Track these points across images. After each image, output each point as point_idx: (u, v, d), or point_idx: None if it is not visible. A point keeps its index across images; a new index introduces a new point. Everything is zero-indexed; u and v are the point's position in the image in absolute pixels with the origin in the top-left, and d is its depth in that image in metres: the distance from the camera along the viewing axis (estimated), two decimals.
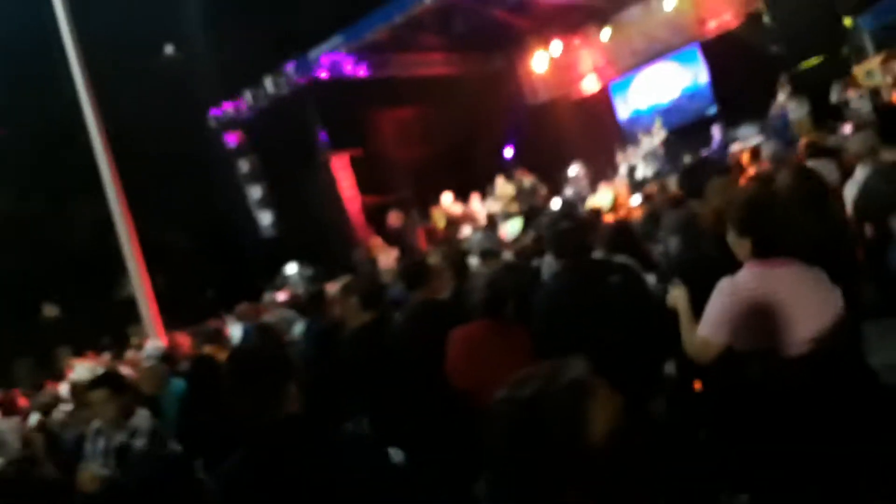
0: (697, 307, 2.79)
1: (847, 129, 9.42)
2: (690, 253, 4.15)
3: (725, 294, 2.66)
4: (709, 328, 2.70)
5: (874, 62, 10.17)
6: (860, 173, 4.51)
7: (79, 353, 11.64)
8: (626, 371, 2.87)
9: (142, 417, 3.89)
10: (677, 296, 2.95)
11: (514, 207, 14.38)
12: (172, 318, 11.31)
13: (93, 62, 10.85)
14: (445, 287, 4.32)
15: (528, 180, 15.30)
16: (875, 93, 9.92)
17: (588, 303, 3.31)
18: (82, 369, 8.27)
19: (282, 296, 11.43)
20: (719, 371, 2.77)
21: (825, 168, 5.32)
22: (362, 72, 14.88)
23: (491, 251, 5.16)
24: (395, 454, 4.04)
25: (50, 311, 17.48)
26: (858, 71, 10.41)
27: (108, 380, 3.96)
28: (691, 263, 3.79)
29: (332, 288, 7.34)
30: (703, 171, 4.93)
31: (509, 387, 1.41)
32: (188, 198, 15.65)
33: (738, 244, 2.71)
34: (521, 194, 14.87)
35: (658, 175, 12.60)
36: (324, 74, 14.49)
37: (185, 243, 16.99)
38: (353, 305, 4.18)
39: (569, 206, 12.41)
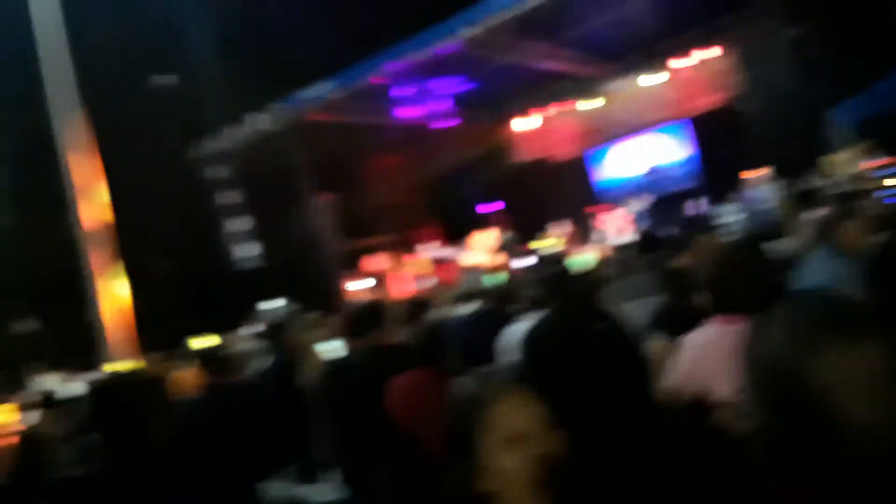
0: None
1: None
2: (670, 306, 4.25)
3: (684, 348, 2.82)
4: (671, 380, 2.85)
5: (846, 154, 10.54)
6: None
7: (50, 369, 11.56)
8: (598, 418, 3.02)
9: None
10: (655, 346, 3.04)
11: (498, 259, 14.56)
12: (149, 346, 11.28)
13: (87, 82, 11.05)
14: (394, 333, 4.44)
15: (510, 234, 15.52)
16: (840, 183, 10.27)
17: (574, 345, 3.37)
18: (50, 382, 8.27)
19: (257, 329, 11.45)
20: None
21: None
22: (352, 116, 15.14)
23: (476, 292, 5.29)
24: (340, 491, 4.14)
25: (22, 326, 17.35)
26: (830, 161, 10.79)
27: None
28: (669, 316, 3.93)
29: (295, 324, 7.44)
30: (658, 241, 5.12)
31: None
32: (173, 225, 15.74)
33: (704, 299, 2.84)
34: (506, 247, 15.06)
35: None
36: (314, 115, 14.73)
37: (165, 268, 17.00)
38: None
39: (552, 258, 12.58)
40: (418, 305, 5.96)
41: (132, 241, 14.90)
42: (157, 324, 14.27)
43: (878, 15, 10.28)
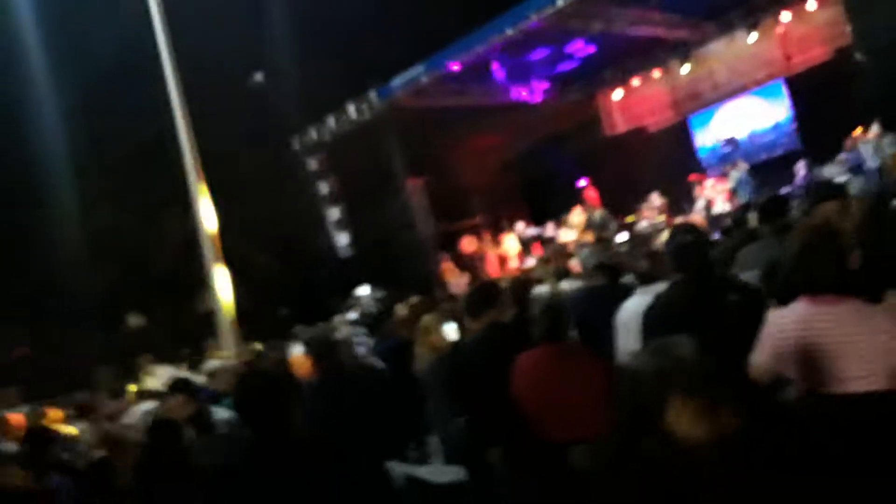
0: None
1: None
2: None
3: (769, 324, 2.74)
4: (757, 355, 2.76)
5: None
6: None
7: (159, 361, 12.12)
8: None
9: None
10: None
11: (587, 237, 14.33)
12: (248, 333, 11.68)
13: (187, 85, 11.46)
14: (508, 312, 4.38)
15: (598, 212, 15.23)
16: None
17: (704, 318, 3.16)
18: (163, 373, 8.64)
19: (353, 316, 11.65)
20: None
21: None
22: (441, 100, 15.15)
23: (600, 265, 5.17)
24: (457, 473, 4.14)
25: (135, 321, 18.26)
26: None
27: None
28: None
29: (401, 309, 7.50)
30: (784, 205, 4.84)
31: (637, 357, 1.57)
32: (270, 217, 16.19)
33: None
34: (593, 225, 14.81)
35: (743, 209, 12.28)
36: (404, 101, 14.82)
37: (264, 261, 17.53)
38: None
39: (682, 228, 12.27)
40: (525, 284, 5.90)
41: (234, 237, 15.44)
42: (258, 314, 14.77)
43: None
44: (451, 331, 5.14)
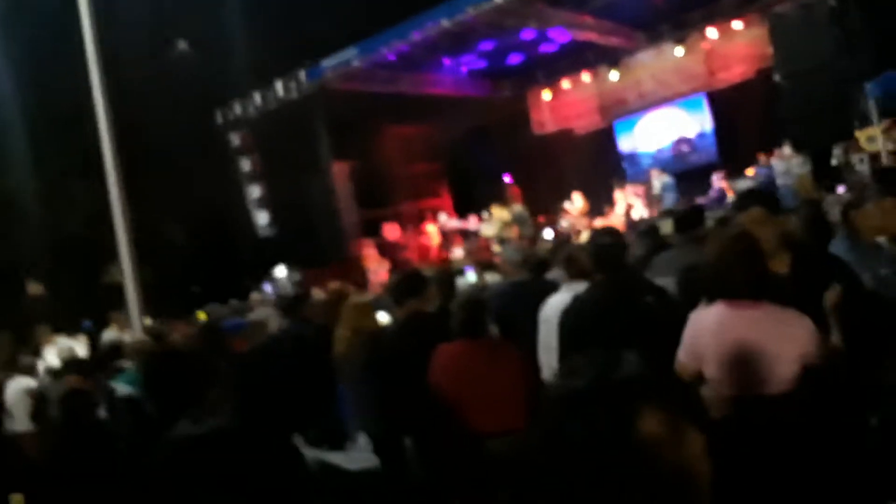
0: None
1: (841, 190, 9.60)
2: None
3: (689, 325, 2.86)
4: (680, 354, 2.87)
5: (877, 129, 10.35)
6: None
7: (58, 331, 11.59)
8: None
9: None
10: None
11: (509, 232, 14.48)
12: (157, 310, 11.31)
13: (108, 49, 10.93)
14: (432, 301, 4.36)
15: (518, 208, 15.39)
16: (875, 158, 10.09)
17: (620, 318, 3.31)
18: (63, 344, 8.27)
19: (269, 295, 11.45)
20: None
21: None
22: (372, 85, 14.99)
23: (523, 260, 5.18)
24: (371, 459, 4.09)
25: (34, 288, 17.37)
26: (861, 135, 10.59)
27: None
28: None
29: (318, 293, 7.37)
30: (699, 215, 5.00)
31: (560, 375, 1.40)
32: (188, 192, 15.69)
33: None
34: (516, 221, 14.97)
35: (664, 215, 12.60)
36: (335, 84, 14.59)
37: (178, 236, 16.99)
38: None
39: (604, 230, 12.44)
40: (450, 274, 5.88)
41: (147, 209, 14.91)
42: (169, 289, 14.32)
43: None
44: (382, 317, 5.07)
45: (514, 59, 15.81)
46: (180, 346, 4.81)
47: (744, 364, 2.64)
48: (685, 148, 16.30)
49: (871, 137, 10.39)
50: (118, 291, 11.49)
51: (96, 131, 10.65)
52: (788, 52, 11.64)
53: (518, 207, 15.46)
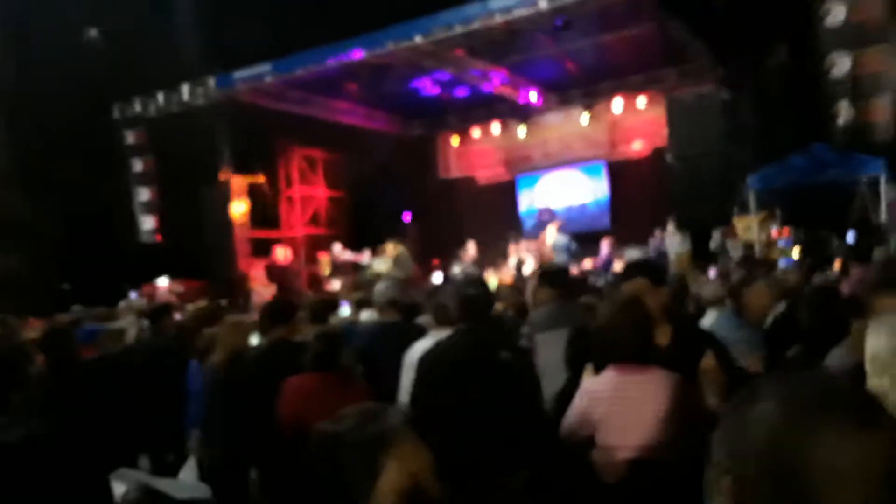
0: None
1: (712, 273, 10.09)
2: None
3: (582, 390, 2.92)
4: (570, 419, 2.93)
5: (754, 219, 11.01)
6: (710, 315, 4.89)
7: None
8: (492, 442, 3.00)
9: None
10: None
11: (398, 271, 14.41)
12: (21, 305, 10.58)
13: (12, 24, 10.35)
14: (301, 330, 4.26)
15: (402, 249, 15.39)
16: (748, 246, 10.71)
17: (475, 367, 3.33)
18: None
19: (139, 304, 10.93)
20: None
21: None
22: (282, 104, 14.79)
23: (394, 302, 5.10)
24: (201, 489, 3.87)
25: None
26: (739, 223, 11.24)
27: None
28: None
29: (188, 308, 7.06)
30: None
31: (332, 420, 1.47)
32: (72, 185, 14.87)
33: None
34: (395, 261, 14.92)
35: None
36: (244, 96, 14.31)
37: (55, 230, 16.03)
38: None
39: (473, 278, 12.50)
40: (327, 306, 5.76)
41: (21, 197, 14.07)
42: (35, 285, 13.49)
43: (805, 93, 10.82)
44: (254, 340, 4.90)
45: (427, 100, 15.97)
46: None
47: (638, 429, 2.70)
48: (581, 211, 16.83)
49: (748, 226, 11.04)
50: None
51: None
52: (681, 135, 12.29)
53: (401, 248, 15.44)
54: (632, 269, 3.38)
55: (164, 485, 3.65)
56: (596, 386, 2.88)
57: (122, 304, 9.72)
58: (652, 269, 3.45)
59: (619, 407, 2.76)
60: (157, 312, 5.52)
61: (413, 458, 1.41)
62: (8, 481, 2.10)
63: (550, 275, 4.79)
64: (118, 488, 2.84)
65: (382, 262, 14.90)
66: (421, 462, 1.41)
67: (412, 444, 1.42)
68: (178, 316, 6.53)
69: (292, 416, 3.60)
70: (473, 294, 3.55)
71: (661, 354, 2.92)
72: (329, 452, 1.40)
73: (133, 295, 12.25)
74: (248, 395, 3.97)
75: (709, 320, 4.99)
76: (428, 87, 15.10)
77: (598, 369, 2.94)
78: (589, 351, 3.13)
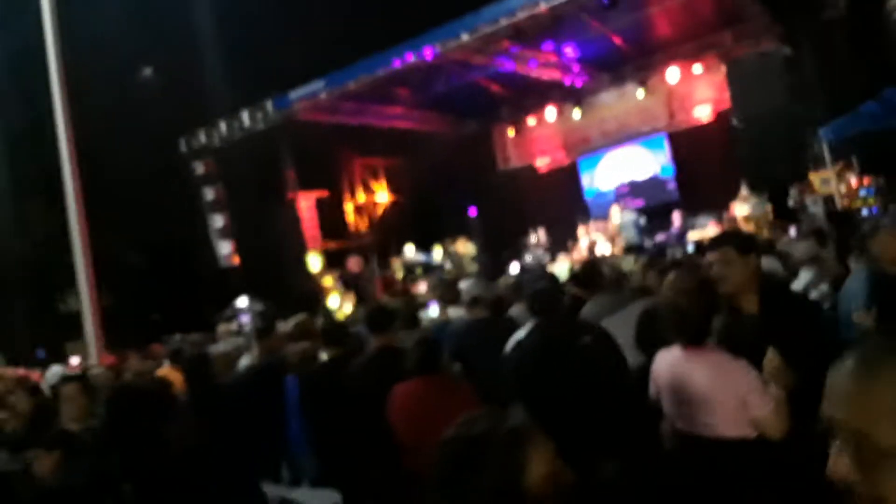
0: None
1: (793, 232, 9.86)
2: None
3: (654, 363, 3.06)
4: (651, 387, 3.07)
5: (830, 172, 10.69)
6: (804, 276, 4.81)
7: (13, 361, 11.29)
8: (584, 431, 3.02)
9: None
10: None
11: (473, 267, 14.55)
12: (115, 339, 11.08)
13: (73, 71, 10.84)
14: (400, 336, 4.37)
15: (470, 245, 15.52)
16: (828, 200, 10.41)
17: (559, 361, 3.41)
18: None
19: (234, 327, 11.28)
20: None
21: (773, 266, 5.59)
22: (338, 117, 15.06)
23: (478, 299, 5.19)
24: (332, 497, 4.04)
25: None
26: (815, 178, 10.92)
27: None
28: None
29: (283, 326, 7.29)
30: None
31: (457, 426, 1.50)
32: (149, 219, 15.49)
33: None
34: (476, 256, 15.06)
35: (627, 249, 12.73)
36: (301, 114, 14.63)
37: (139, 264, 16.72)
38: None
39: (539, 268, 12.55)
40: (414, 308, 5.90)
41: (108, 236, 14.66)
42: (127, 319, 14.05)
43: (868, 41, 10.46)
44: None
45: (480, 96, 16.02)
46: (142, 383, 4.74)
47: (686, 405, 2.81)
48: (646, 186, 16.60)
49: (825, 180, 10.72)
50: (75, 320, 11.27)
51: (57, 153, 10.51)
52: (745, 97, 12.00)
53: (470, 244, 15.57)
54: (719, 239, 3.37)
55: (299, 495, 3.86)
56: (660, 360, 3.02)
57: (220, 327, 10.05)
58: (738, 236, 3.44)
59: (671, 382, 2.89)
60: (262, 332, 5.72)
61: (546, 447, 1.48)
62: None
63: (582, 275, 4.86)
64: None
65: (456, 259, 15.06)
66: (552, 450, 1.49)
67: (542, 434, 1.50)
68: None
69: (405, 422, 3.70)
70: (543, 287, 3.62)
71: (748, 323, 2.94)
72: (470, 454, 1.44)
73: (240, 317, 12.61)
74: (356, 404, 4.10)
75: (802, 281, 4.92)
76: (481, 82, 15.15)
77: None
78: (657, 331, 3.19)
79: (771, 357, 2.64)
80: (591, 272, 4.96)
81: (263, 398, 5.01)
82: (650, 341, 3.50)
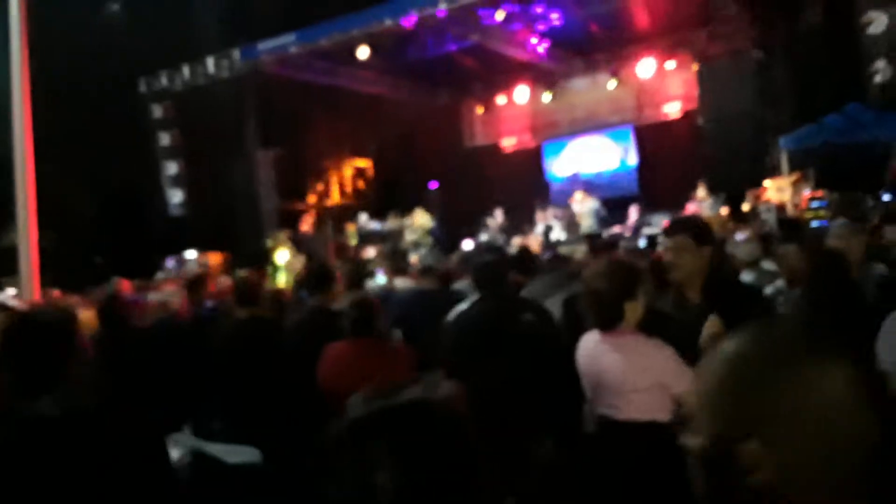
0: None
1: (740, 236, 9.97)
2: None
3: (578, 348, 3.03)
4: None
5: (786, 180, 10.85)
6: (745, 278, 4.86)
7: None
8: (519, 408, 3.06)
9: None
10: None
11: (427, 239, 14.45)
12: (54, 278, 10.74)
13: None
14: (340, 298, 4.29)
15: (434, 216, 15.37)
16: (780, 208, 10.57)
17: (498, 334, 3.43)
18: None
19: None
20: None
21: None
22: (307, 74, 14.74)
23: (429, 268, 5.13)
24: (252, 454, 3.95)
25: None
26: (770, 185, 11.09)
27: None
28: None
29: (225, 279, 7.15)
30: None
31: (363, 394, 1.41)
32: (102, 160, 15.00)
33: None
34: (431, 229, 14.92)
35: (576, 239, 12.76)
36: (268, 67, 14.28)
37: (86, 205, 16.22)
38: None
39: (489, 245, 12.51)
40: (360, 274, 5.79)
41: (53, 172, 14.19)
42: (68, 260, 13.66)
43: (841, 53, 10.58)
44: None
45: (451, 69, 15.82)
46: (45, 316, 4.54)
47: (600, 387, 2.83)
48: (608, 177, 16.67)
49: (780, 188, 10.88)
50: (12, 255, 10.88)
51: (7, 76, 10.03)
52: (713, 98, 12.09)
53: (427, 217, 15.42)
54: (676, 225, 3.33)
55: (216, 450, 3.73)
56: (582, 343, 3.02)
57: (159, 274, 9.82)
58: (697, 227, 3.39)
59: (589, 365, 2.90)
60: (195, 283, 5.57)
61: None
62: (50, 453, 2.15)
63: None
64: (173, 453, 2.91)
65: (411, 231, 14.94)
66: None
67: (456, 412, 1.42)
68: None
69: (331, 381, 3.66)
70: (487, 261, 3.59)
71: (691, 311, 2.94)
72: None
73: (170, 264, 12.35)
74: (288, 363, 4.02)
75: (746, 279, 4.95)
76: (453, 54, 14.94)
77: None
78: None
79: (712, 322, 2.61)
80: (525, 258, 4.98)
81: (176, 349, 4.85)
82: (574, 325, 3.49)
